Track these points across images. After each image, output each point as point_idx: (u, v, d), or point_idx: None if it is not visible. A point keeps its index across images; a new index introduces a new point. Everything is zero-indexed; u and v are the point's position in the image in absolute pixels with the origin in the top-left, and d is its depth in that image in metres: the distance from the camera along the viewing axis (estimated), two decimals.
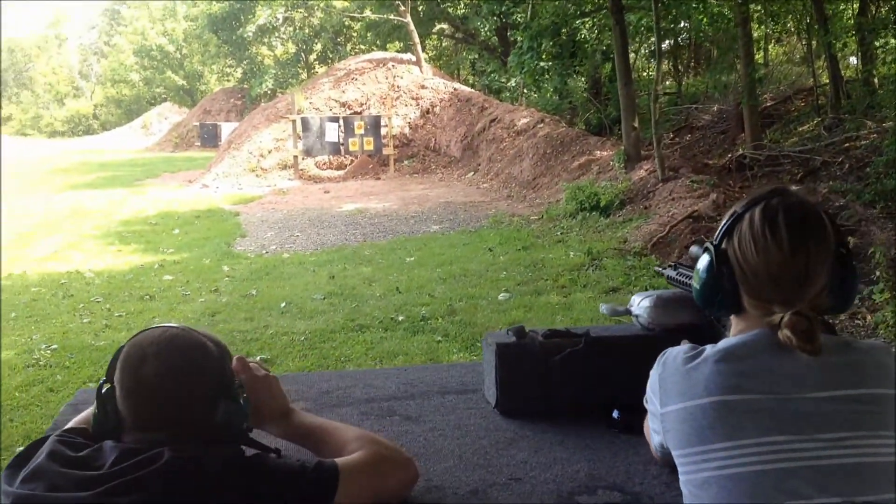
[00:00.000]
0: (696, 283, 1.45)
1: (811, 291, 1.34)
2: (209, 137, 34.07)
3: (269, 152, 20.81)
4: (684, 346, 1.40)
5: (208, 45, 41.04)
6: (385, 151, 20.23)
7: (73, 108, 74.76)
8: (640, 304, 2.01)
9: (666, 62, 27.15)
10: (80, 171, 26.29)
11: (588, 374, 1.92)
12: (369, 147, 19.96)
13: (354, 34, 34.44)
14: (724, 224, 1.42)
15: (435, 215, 13.89)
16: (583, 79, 22.89)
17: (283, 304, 7.74)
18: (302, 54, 38.17)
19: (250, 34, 34.20)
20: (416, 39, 23.40)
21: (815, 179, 12.77)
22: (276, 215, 14.76)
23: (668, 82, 26.52)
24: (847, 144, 13.25)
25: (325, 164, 21.04)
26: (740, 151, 15.32)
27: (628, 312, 2.06)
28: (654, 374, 1.44)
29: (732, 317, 1.44)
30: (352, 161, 20.77)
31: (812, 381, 1.30)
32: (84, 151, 39.28)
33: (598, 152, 15.47)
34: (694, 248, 1.55)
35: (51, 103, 78.31)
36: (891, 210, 9.67)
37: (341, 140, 19.87)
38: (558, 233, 11.06)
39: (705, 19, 16.49)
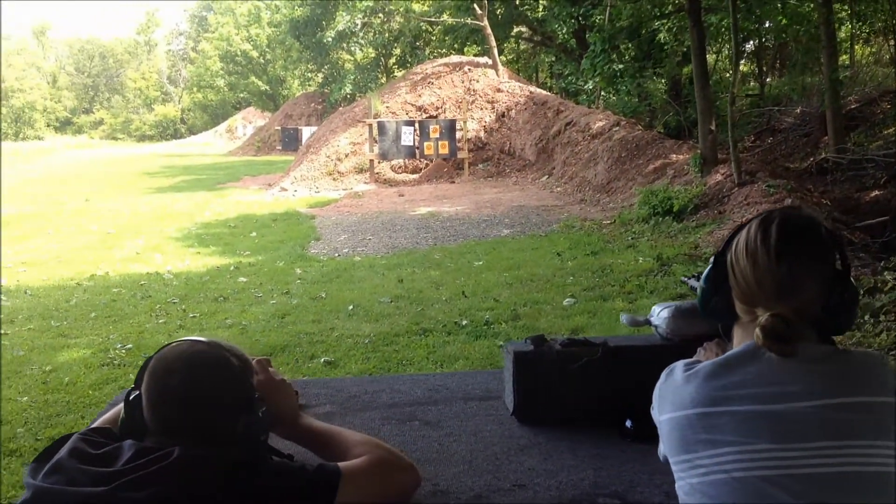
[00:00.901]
0: (698, 291, 1.49)
1: (794, 300, 1.37)
2: (290, 141, 34.75)
3: (346, 156, 21.13)
4: (684, 361, 1.43)
5: (291, 51, 41.82)
6: (460, 155, 20.33)
7: (161, 113, 77.12)
8: (659, 314, 2.02)
9: (749, 63, 26.66)
10: (166, 175, 27.13)
11: (605, 383, 1.94)
12: (444, 151, 20.08)
13: (433, 38, 34.66)
14: (730, 235, 1.48)
15: (507, 219, 13.90)
16: (662, 81, 22.57)
17: (350, 307, 7.86)
18: (381, 59, 38.63)
19: (330, 39, 34.72)
20: (493, 43, 23.44)
21: None
22: (351, 219, 14.98)
23: (751, 84, 26.01)
24: None
25: (400, 167, 21.26)
26: (822, 155, 14.95)
27: (648, 323, 2.08)
28: (658, 384, 1.48)
29: (734, 329, 1.46)
30: (427, 165, 20.94)
31: (799, 389, 1.32)
32: (170, 155, 40.53)
33: (674, 156, 15.26)
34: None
35: (140, 108, 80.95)
36: None
37: (416, 144, 20.04)
38: (629, 238, 10.96)
39: (784, 20, 16.12)
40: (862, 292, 6.51)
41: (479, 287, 8.42)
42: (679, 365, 1.44)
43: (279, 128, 38.43)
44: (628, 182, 15.29)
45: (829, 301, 1.38)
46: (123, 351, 6.48)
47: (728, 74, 26.50)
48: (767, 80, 25.31)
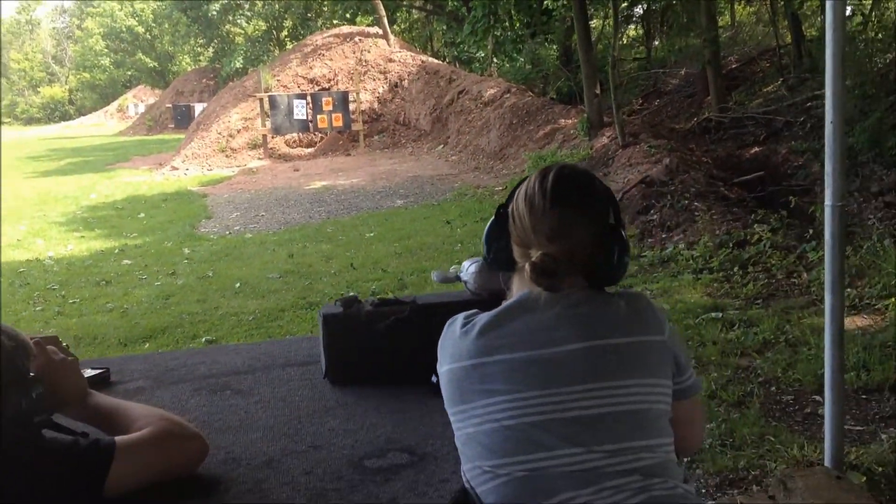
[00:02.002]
0: (483, 241, 1.54)
1: (565, 242, 1.41)
2: (182, 119, 33.89)
3: (238, 132, 20.74)
4: (465, 313, 1.47)
5: (178, 25, 40.67)
6: (354, 127, 20.19)
7: (47, 94, 74.10)
8: (468, 269, 2.05)
9: (636, 27, 27.13)
10: (52, 158, 26.15)
11: (415, 340, 1.96)
12: (338, 123, 19.91)
13: (325, 9, 34.14)
14: (514, 188, 1.52)
15: (402, 190, 13.91)
16: (553, 47, 22.79)
17: (237, 285, 7.77)
18: (273, 31, 37.91)
19: (215, 13, 33.87)
20: (383, 12, 23.26)
21: (778, 140, 12.85)
22: (244, 196, 14.75)
23: (640, 48, 26.47)
24: (809, 104, 13.29)
25: (294, 141, 21.00)
26: (705, 115, 15.39)
27: (458, 279, 2.11)
28: (441, 338, 1.51)
29: (513, 279, 1.51)
30: (321, 138, 20.74)
31: (565, 334, 1.37)
32: (58, 137, 39.09)
33: (563, 121, 15.49)
34: None
35: (25, 90, 77.57)
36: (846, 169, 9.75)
37: (309, 117, 19.80)
38: None
39: None
40: (732, 244, 6.78)
41: (368, 259, 8.43)
42: (459, 318, 1.48)
43: (170, 105, 37.40)
44: (520, 148, 15.45)
45: (599, 250, 1.43)
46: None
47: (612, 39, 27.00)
48: (655, 43, 25.80)
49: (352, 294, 2.12)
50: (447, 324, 1.50)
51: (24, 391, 1.43)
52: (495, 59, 25.22)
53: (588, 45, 14.05)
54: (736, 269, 6.24)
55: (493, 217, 1.53)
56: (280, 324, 6.27)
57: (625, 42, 27.16)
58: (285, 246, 9.70)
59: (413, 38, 34.12)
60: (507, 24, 21.74)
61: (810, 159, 10.80)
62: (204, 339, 5.95)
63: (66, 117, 66.81)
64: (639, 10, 24.84)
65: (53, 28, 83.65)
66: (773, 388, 4.02)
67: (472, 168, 15.88)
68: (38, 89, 75.82)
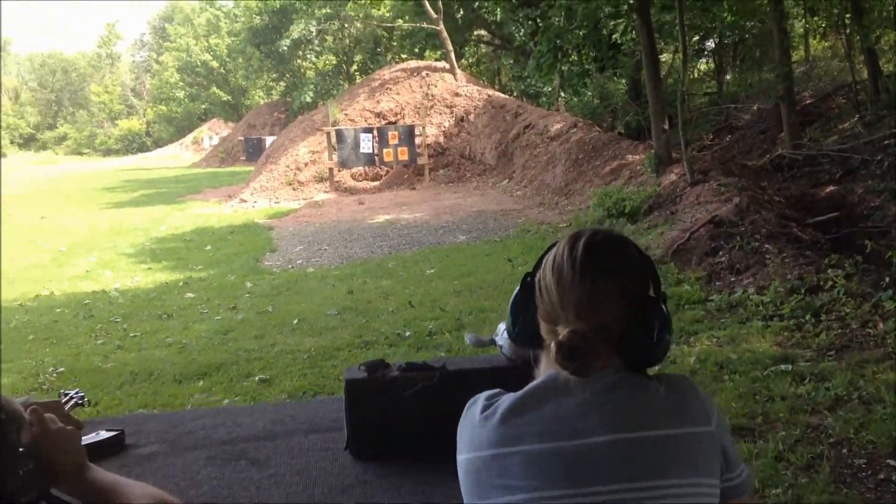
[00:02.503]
0: (508, 313, 1.41)
1: (595, 318, 1.26)
2: (253, 151, 34.48)
3: (306, 165, 20.97)
4: (487, 393, 1.34)
5: (251, 60, 41.54)
6: (420, 161, 20.24)
7: (125, 127, 76.30)
8: (503, 333, 1.92)
9: (708, 61, 26.77)
10: (126, 189, 26.82)
11: (443, 409, 1.83)
12: (404, 157, 19.99)
13: (394, 44, 34.53)
14: (542, 255, 1.39)
15: (465, 225, 13.83)
16: (623, 81, 22.62)
17: (295, 321, 7.74)
18: (343, 65, 38.46)
19: (286, 48, 34.49)
20: (450, 47, 23.39)
21: (854, 179, 12.44)
22: (309, 228, 14.84)
23: (712, 82, 26.09)
24: (886, 142, 12.87)
25: (360, 175, 21.13)
26: (778, 151, 15.02)
27: (493, 343, 1.98)
28: (461, 419, 1.37)
29: (541, 356, 1.37)
30: (387, 172, 20.83)
31: (595, 424, 1.22)
32: (134, 169, 40.12)
33: (631, 156, 15.26)
34: None
35: (105, 122, 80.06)
36: None
37: (376, 151, 19.94)
38: None
39: (730, 16, 16.19)
40: (804, 290, 6.49)
41: (427, 296, 8.33)
42: (480, 399, 1.33)
43: (242, 138, 38.15)
44: (586, 184, 15.26)
45: (637, 327, 1.28)
46: (55, 375, 6.32)
47: (689, 72, 26.69)
48: (728, 77, 25.42)
49: (379, 358, 2.00)
50: (468, 405, 1.36)
51: (12, 468, 1.34)
52: (562, 94, 25.14)
53: (657, 80, 13.84)
54: (808, 316, 5.95)
55: (518, 286, 1.40)
56: (334, 363, 6.19)
57: (696, 76, 26.87)
58: (346, 281, 9.67)
59: (481, 72, 34.26)
60: (574, 58, 21.68)
61: (888, 200, 10.40)
62: (257, 378, 5.89)
63: (143, 149, 68.69)
64: (710, 43, 24.55)
65: (133, 62, 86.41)
66: (845, 451, 3.77)
67: (537, 203, 15.73)
68: (117, 122, 78.18)
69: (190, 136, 56.45)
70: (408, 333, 6.88)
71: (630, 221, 11.34)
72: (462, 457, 1.32)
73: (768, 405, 4.40)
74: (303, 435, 1.98)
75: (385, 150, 19.89)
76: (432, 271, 9.78)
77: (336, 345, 6.72)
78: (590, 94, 24.95)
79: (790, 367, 4.91)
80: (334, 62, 38.75)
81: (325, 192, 20.04)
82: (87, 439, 1.99)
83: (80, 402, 2.19)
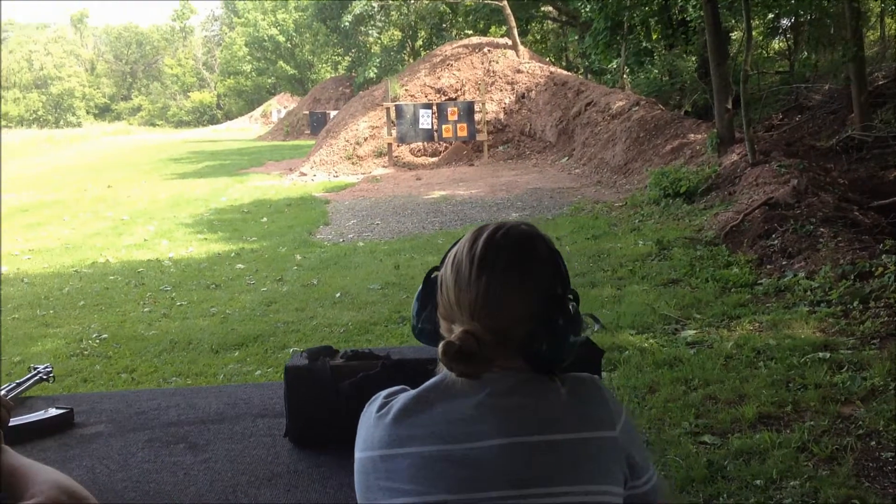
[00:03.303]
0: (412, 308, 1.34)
1: (491, 318, 1.19)
2: (318, 125, 34.74)
3: (365, 140, 21.03)
4: (387, 391, 1.27)
5: (317, 35, 41.77)
6: (479, 137, 20.12)
7: (197, 99, 77.73)
8: None
9: (782, 40, 26.01)
10: (192, 161, 27.27)
11: None
12: (463, 133, 19.90)
13: (459, 20, 34.32)
14: (448, 249, 1.32)
15: (519, 202, 13.71)
16: (692, 59, 22.14)
17: (338, 295, 7.77)
18: (407, 41, 38.42)
19: (348, 24, 34.55)
20: (513, 23, 23.15)
21: None
22: (364, 203, 14.89)
23: (785, 61, 25.38)
24: None
25: (419, 150, 21.12)
26: (847, 133, 14.55)
27: None
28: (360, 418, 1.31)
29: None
30: (446, 148, 20.77)
31: (486, 427, 1.15)
32: (201, 140, 40.82)
33: (693, 135, 14.92)
34: None
35: (177, 94, 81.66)
36: None
37: (434, 127, 19.88)
38: (636, 221, 10.72)
39: None
40: (854, 275, 6.26)
41: None
42: (380, 396, 1.28)
43: (307, 112, 38.48)
44: (645, 163, 14.98)
45: (541, 328, 1.20)
46: (97, 341, 6.45)
47: (761, 50, 25.98)
48: (803, 55, 24.66)
49: (325, 344, 1.95)
50: (368, 402, 1.30)
51: None
52: (628, 71, 24.72)
53: (720, 57, 13.47)
54: (855, 303, 5.74)
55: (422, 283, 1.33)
56: (368, 338, 6.19)
57: (768, 54, 26.18)
58: (393, 256, 9.67)
59: (547, 48, 33.91)
60: (641, 35, 21.25)
61: None
62: (291, 350, 5.93)
63: (214, 121, 69.93)
64: (785, 21, 23.85)
65: (205, 36, 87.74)
66: (873, 443, 3.62)
67: (595, 182, 15.52)
68: (189, 94, 79.63)
69: (259, 110, 57.26)
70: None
71: (686, 202, 11.11)
72: (356, 455, 1.26)
73: (800, 394, 4.25)
74: (251, 419, 1.95)
75: (444, 126, 19.82)
76: None
77: (373, 319, 6.73)
78: (656, 71, 24.50)
79: (828, 354, 4.74)
80: (399, 38, 38.73)
81: (384, 167, 20.09)
82: (36, 416, 2.00)
83: (44, 377, 2.21)
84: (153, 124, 74.52)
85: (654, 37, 22.45)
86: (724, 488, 3.33)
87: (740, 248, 8.12)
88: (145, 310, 7.62)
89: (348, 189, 17.19)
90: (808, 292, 6.27)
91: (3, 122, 69.95)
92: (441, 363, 1.22)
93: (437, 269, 1.32)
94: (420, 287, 1.33)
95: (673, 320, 6.03)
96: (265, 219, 13.66)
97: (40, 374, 2.20)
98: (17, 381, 2.15)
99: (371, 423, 1.24)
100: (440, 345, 1.19)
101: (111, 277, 9.21)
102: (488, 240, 1.25)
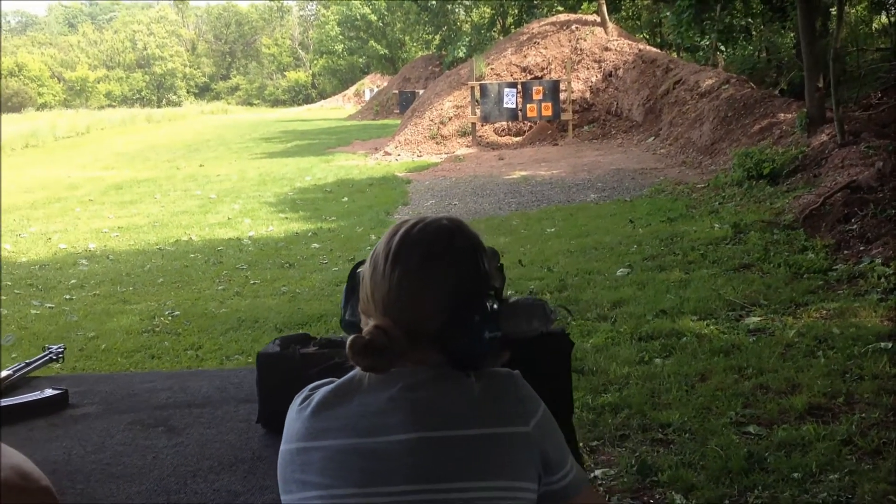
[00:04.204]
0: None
1: (406, 316, 1.21)
2: (407, 104, 34.85)
3: (450, 119, 21.08)
4: (314, 384, 1.30)
5: (408, 13, 41.92)
6: (564, 117, 19.93)
7: (292, 78, 79.10)
8: None
9: (891, 15, 24.88)
10: (282, 140, 27.83)
11: None
12: (547, 113, 19.74)
13: None
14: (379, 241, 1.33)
15: (600, 183, 13.56)
16: (791, 35, 21.42)
17: None
18: (497, 18, 38.19)
19: (434, 2, 34.52)
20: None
21: None
22: (444, 183, 14.95)
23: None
24: None
25: (503, 130, 21.05)
26: None
27: None
28: None
29: None
30: (530, 127, 20.65)
31: (395, 421, 1.17)
32: (293, 120, 41.58)
33: (783, 115, 14.46)
34: None
35: (274, 73, 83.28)
36: None
37: (519, 106, 19.77)
38: (716, 203, 10.49)
39: None
40: None
41: (539, 255, 8.26)
42: (306, 389, 1.30)
43: (396, 91, 38.74)
44: (732, 143, 14.60)
45: (456, 323, 1.21)
46: (170, 318, 6.68)
47: (864, 26, 24.93)
48: None
49: (302, 332, 2.00)
50: (297, 394, 1.32)
51: None
52: (721, 48, 24.04)
53: (812, 35, 13.02)
54: None
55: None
56: None
57: (870, 31, 25.10)
58: None
59: (640, 25, 33.23)
60: (737, 10, 20.62)
61: None
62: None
63: (308, 100, 71.07)
64: None
65: (301, 16, 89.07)
66: None
67: (679, 163, 15.22)
68: (285, 73, 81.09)
69: (352, 89, 57.92)
70: (509, 293, 6.84)
71: (770, 184, 10.80)
72: (280, 448, 1.28)
73: (855, 384, 4.13)
74: (235, 404, 2.01)
75: (528, 106, 19.70)
76: (552, 230, 9.68)
77: None
78: (751, 48, 23.77)
79: (890, 345, 4.58)
80: (489, 15, 38.53)
81: (468, 146, 20.10)
82: (31, 396, 2.09)
83: (54, 357, 2.31)
84: (250, 104, 76.22)
85: (754, 11, 21.77)
86: (760, 480, 3.27)
87: (818, 232, 7.87)
88: (219, 288, 7.85)
89: (431, 169, 17.28)
90: (882, 279, 6.05)
91: (107, 102, 72.69)
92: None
93: (362, 263, 1.33)
94: (347, 282, 1.35)
95: (738, 306, 5.90)
96: (346, 198, 13.86)
97: (50, 355, 2.31)
98: (27, 361, 2.25)
99: (293, 416, 1.26)
100: (348, 339, 1.21)
101: (192, 255, 9.51)
102: (404, 235, 1.26)
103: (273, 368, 1.88)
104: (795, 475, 3.27)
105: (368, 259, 1.30)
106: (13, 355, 5.60)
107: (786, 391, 4.17)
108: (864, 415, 3.77)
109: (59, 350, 2.33)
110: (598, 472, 3.52)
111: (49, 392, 2.10)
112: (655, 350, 5.03)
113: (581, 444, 3.75)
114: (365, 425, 1.18)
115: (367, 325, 1.24)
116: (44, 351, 2.33)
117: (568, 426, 1.71)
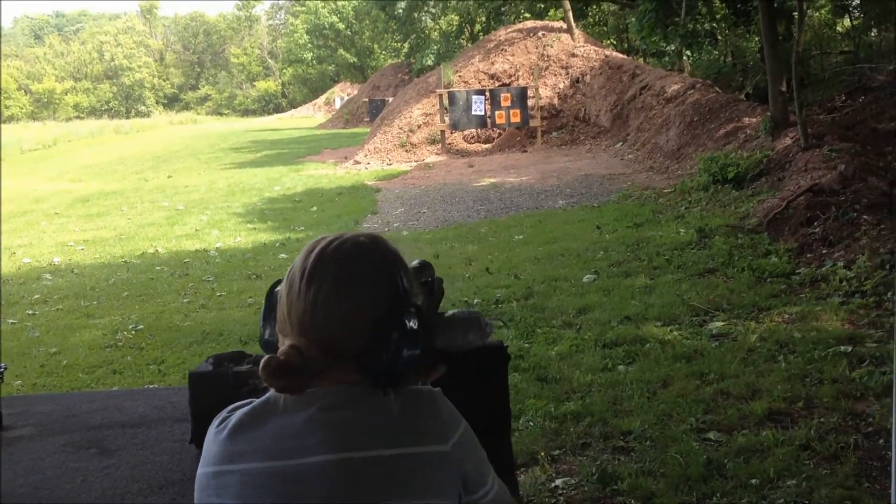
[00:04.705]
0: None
1: (322, 334, 1.19)
2: (377, 112, 34.83)
3: (419, 127, 21.08)
4: (235, 405, 1.28)
5: (377, 21, 41.92)
6: (532, 123, 20.00)
7: (262, 88, 78.70)
8: None
9: (851, 18, 25.22)
10: (251, 150, 27.68)
11: None
12: (516, 119, 19.79)
13: (518, 2, 34.01)
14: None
15: (568, 189, 13.61)
16: (756, 39, 21.64)
17: None
18: (465, 26, 38.26)
19: (401, 10, 34.54)
20: (568, 6, 22.88)
21: None
22: (413, 191, 14.94)
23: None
24: None
25: (472, 137, 21.09)
26: None
27: None
28: None
29: None
30: (499, 134, 20.70)
31: (313, 442, 1.15)
32: (262, 129, 41.37)
33: (748, 119, 14.60)
34: None
35: (243, 83, 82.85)
36: None
37: (487, 113, 19.82)
38: (682, 208, 10.57)
39: None
40: (889, 266, 6.08)
41: (507, 263, 8.27)
42: (224, 411, 1.27)
43: (366, 99, 38.70)
44: (698, 148, 14.72)
45: (374, 341, 1.20)
46: (133, 332, 6.62)
47: (827, 29, 25.23)
48: (870, 34, 23.89)
49: (237, 350, 1.98)
50: (216, 416, 1.30)
51: None
52: (687, 53, 24.23)
53: (774, 38, 13.18)
54: (890, 294, 5.58)
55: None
56: None
57: (834, 34, 25.41)
58: (435, 245, 9.69)
59: (607, 31, 33.45)
60: (703, 15, 20.77)
61: None
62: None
63: (278, 109, 70.72)
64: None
65: (270, 24, 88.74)
66: (881, 441, 3.52)
67: (647, 168, 15.31)
68: (255, 83, 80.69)
69: (322, 98, 57.73)
70: (476, 301, 6.85)
71: (735, 188, 10.89)
72: (198, 471, 1.26)
73: (815, 389, 4.16)
74: (170, 424, 1.99)
75: (497, 113, 19.74)
76: (520, 237, 9.69)
77: None
78: (716, 53, 23.97)
79: (851, 348, 4.63)
80: (457, 23, 38.58)
81: (437, 154, 20.10)
82: None
83: None
84: (220, 113, 75.77)
85: (719, 16, 21.96)
86: (718, 487, 3.28)
87: (782, 235, 7.94)
88: (185, 300, 7.78)
89: (400, 177, 17.27)
90: (844, 282, 6.11)
91: (75, 113, 72.02)
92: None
93: (280, 282, 1.31)
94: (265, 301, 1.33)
95: (702, 311, 5.94)
96: (315, 208, 13.82)
97: None
98: None
99: (210, 439, 1.24)
100: (262, 360, 1.19)
101: (157, 268, 9.43)
102: (320, 253, 1.25)
103: (205, 387, 1.86)
104: (753, 481, 3.28)
105: (286, 277, 1.27)
106: None
107: (746, 396, 4.20)
108: (822, 419, 3.80)
109: (1, 369, 2.29)
110: (559, 482, 3.52)
111: None
112: (619, 357, 5.04)
113: (542, 454, 3.75)
114: (281, 447, 1.17)
115: (284, 344, 1.22)
116: None
117: (505, 439, 1.70)
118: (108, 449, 1.88)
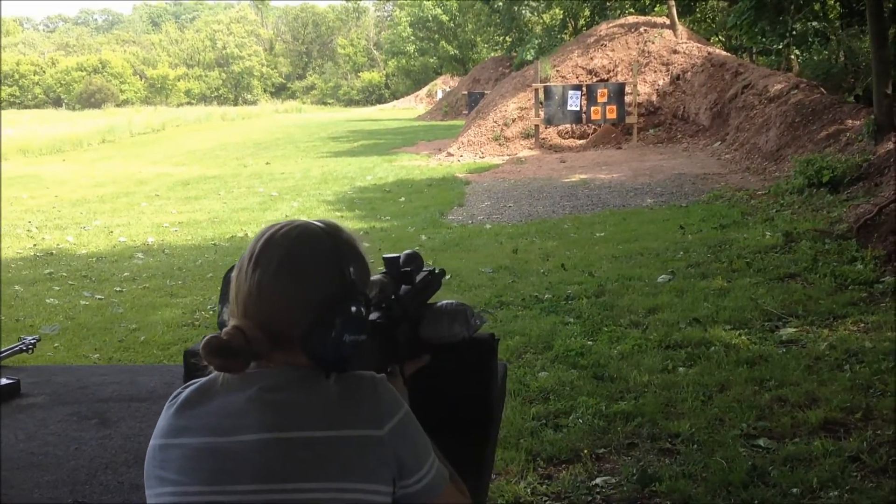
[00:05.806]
0: None
1: (265, 317, 1.24)
2: (475, 106, 34.95)
3: (513, 121, 21.04)
4: (193, 381, 1.33)
5: (479, 14, 41.98)
6: (628, 120, 19.72)
7: (366, 78, 79.84)
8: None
9: None
10: (349, 140, 28.15)
11: None
12: (612, 115, 19.56)
13: None
14: None
15: (659, 188, 13.39)
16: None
17: (448, 277, 7.86)
18: (569, 20, 37.92)
19: (501, 3, 34.44)
20: (672, 2, 22.44)
21: None
22: (502, 185, 14.94)
23: None
24: None
25: (567, 132, 20.94)
26: None
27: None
28: None
29: None
30: (594, 130, 20.49)
31: (250, 421, 1.19)
32: (362, 120, 42.02)
33: (851, 121, 14.06)
34: None
35: (349, 73, 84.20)
36: None
37: (583, 109, 19.63)
38: (773, 210, 10.28)
39: None
40: None
41: (583, 260, 8.21)
42: (180, 387, 1.32)
43: (465, 92, 38.82)
44: (798, 149, 14.27)
45: (318, 326, 1.23)
46: (211, 312, 6.84)
47: None
48: None
49: None
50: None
51: None
52: (796, 52, 23.50)
53: (882, 39, 12.65)
54: None
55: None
56: None
57: None
58: (515, 240, 9.69)
59: (714, 27, 32.70)
60: (817, 12, 20.10)
61: None
62: None
63: (381, 100, 71.62)
64: None
65: (378, 16, 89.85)
66: None
67: (743, 169, 14.94)
68: (360, 74, 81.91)
69: (425, 89, 58.19)
70: (546, 296, 6.83)
71: (831, 192, 10.53)
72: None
73: (876, 400, 4.02)
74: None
75: (593, 108, 19.54)
76: (602, 234, 9.60)
77: (473, 303, 6.77)
78: (825, 52, 23.19)
79: None
80: (560, 17, 38.29)
81: (530, 148, 20.04)
82: None
83: (24, 349, 2.39)
84: (325, 103, 77.20)
85: (832, 15, 21.23)
86: (758, 494, 3.21)
87: (871, 242, 7.65)
88: None
89: (491, 170, 17.28)
90: None
91: (186, 99, 74.48)
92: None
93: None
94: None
95: (775, 317, 5.79)
96: (403, 198, 13.97)
97: (21, 346, 2.40)
98: None
99: (163, 413, 1.30)
100: (204, 339, 1.24)
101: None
102: (268, 238, 1.30)
103: (199, 365, 1.93)
104: (795, 490, 3.21)
105: (238, 262, 1.32)
106: (55, 345, 5.83)
107: (804, 404, 4.09)
108: (878, 431, 3.68)
109: (33, 341, 2.41)
110: (598, 481, 3.51)
111: (3, 381, 2.19)
112: (680, 359, 4.97)
113: (586, 451, 3.75)
114: (220, 425, 1.21)
115: (229, 325, 1.27)
116: (18, 341, 2.42)
117: (484, 429, 1.72)
118: (109, 420, 1.98)
